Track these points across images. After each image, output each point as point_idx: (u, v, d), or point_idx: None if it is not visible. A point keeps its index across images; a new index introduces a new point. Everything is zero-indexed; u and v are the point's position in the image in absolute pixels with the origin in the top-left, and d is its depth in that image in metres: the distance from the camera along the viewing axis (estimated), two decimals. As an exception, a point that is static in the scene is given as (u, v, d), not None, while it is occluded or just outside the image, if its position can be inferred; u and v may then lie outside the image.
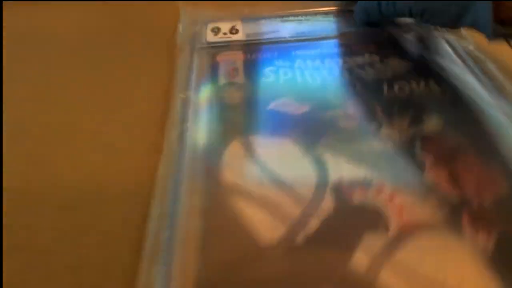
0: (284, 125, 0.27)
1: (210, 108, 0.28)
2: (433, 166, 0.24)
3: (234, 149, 0.26)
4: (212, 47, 0.33)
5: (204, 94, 0.29)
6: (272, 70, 0.31)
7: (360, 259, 0.20)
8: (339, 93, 0.29)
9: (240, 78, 0.30)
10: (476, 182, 0.23)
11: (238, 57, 0.32)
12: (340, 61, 0.32)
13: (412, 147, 0.25)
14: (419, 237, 0.21)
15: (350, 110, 0.28)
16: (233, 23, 0.35)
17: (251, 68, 0.31)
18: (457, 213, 0.22)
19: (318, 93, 0.29)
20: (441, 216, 0.22)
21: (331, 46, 0.33)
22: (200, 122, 0.27)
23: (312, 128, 0.27)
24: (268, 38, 0.34)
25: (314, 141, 0.26)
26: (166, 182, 0.24)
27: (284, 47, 0.33)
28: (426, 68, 0.30)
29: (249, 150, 0.25)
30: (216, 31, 0.35)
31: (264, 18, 0.36)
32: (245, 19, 0.36)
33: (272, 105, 0.28)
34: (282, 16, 0.36)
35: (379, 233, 0.21)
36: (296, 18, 0.36)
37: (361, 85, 0.29)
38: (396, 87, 0.29)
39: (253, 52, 0.33)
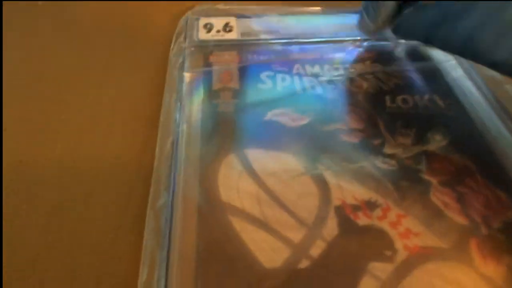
0: (283, 138, 0.25)
1: (203, 117, 0.26)
2: (439, 188, 0.23)
3: (229, 164, 0.24)
4: (205, 45, 0.31)
5: (197, 99, 0.27)
6: (269, 76, 0.29)
7: (368, 285, 0.19)
8: (339, 104, 0.28)
9: (234, 83, 0.28)
10: (484, 205, 0.22)
11: (232, 58, 0.30)
12: (340, 68, 0.30)
13: (417, 167, 0.24)
14: (427, 264, 0.20)
15: (352, 124, 0.26)
16: (227, 20, 0.33)
17: (247, 72, 0.29)
18: (465, 239, 0.21)
19: (318, 103, 0.27)
20: (448, 241, 0.21)
21: (332, 50, 0.31)
22: (193, 131, 0.25)
23: (312, 143, 0.25)
24: (264, 39, 0.32)
25: (314, 157, 0.24)
26: (158, 200, 0.22)
27: (282, 50, 0.31)
28: (431, 81, 0.29)
29: (245, 165, 0.24)
30: (209, 27, 0.33)
31: (260, 15, 0.34)
32: (240, 16, 0.34)
33: (269, 115, 0.26)
34: (280, 15, 0.34)
35: (386, 258, 0.20)
36: (294, 17, 0.34)
37: (363, 96, 0.28)
38: (399, 100, 0.28)
39: (248, 53, 0.31)
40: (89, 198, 0.22)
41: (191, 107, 0.26)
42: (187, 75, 0.28)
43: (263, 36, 0.32)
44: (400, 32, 0.28)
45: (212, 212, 0.22)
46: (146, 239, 0.20)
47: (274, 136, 0.25)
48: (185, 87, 0.28)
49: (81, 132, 0.26)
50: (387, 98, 0.28)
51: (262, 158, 0.24)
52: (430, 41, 0.26)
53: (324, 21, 0.34)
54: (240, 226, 0.21)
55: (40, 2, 0.36)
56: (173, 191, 0.22)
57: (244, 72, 0.29)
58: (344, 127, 0.26)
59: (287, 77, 0.29)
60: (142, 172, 0.23)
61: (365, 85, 0.29)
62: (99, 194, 0.23)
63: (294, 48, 0.31)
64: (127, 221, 0.22)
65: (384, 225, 0.21)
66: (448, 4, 0.24)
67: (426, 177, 0.24)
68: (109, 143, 0.25)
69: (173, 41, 0.31)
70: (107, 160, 0.24)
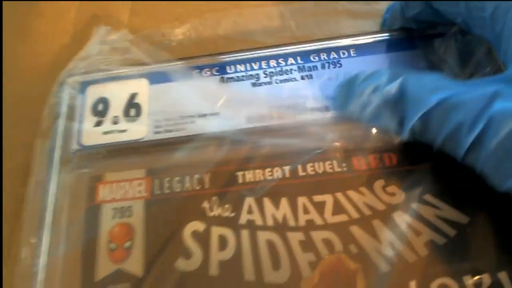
0: None
1: None
2: None
3: None
4: (91, 161, 0.18)
5: None
6: (195, 236, 0.16)
7: None
8: None
9: (136, 262, 0.16)
10: None
11: (138, 192, 0.17)
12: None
13: None
14: None
15: None
16: (133, 87, 0.19)
17: (157, 231, 0.17)
18: None
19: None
20: None
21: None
22: None
23: None
24: (197, 131, 0.18)
25: None
26: None
27: (224, 160, 0.18)
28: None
29: None
30: (101, 111, 0.19)
31: (189, 72, 0.19)
32: (154, 77, 0.19)
33: None
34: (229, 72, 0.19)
35: None
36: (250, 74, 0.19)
37: None
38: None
39: (169, 171, 0.18)
40: None
41: None
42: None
43: (194, 126, 0.18)
44: None
45: None
46: None
47: None
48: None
49: None
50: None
51: None
52: None
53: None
54: None
55: None
56: None
57: (153, 227, 0.17)
58: None
59: (229, 234, 0.16)
60: None
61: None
62: None
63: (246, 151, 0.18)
64: None
65: None
66: None
67: None
68: None
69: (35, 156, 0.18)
70: None
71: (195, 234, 0.16)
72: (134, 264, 0.16)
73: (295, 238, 0.16)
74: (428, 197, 0.16)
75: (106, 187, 0.17)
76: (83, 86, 0.19)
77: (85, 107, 0.19)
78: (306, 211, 0.17)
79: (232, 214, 0.17)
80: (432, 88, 0.14)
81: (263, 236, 0.16)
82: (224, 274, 0.16)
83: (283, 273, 0.16)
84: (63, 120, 0.19)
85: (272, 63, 0.19)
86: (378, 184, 0.17)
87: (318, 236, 0.16)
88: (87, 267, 0.16)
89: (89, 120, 0.19)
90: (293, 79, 0.19)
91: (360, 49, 0.19)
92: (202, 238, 0.16)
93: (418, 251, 0.16)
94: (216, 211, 0.17)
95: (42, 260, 0.16)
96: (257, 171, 0.17)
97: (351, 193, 0.17)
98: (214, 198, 0.17)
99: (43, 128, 0.19)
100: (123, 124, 0.18)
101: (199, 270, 0.16)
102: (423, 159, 0.17)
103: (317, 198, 0.17)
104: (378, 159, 0.17)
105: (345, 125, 0.18)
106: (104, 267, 0.16)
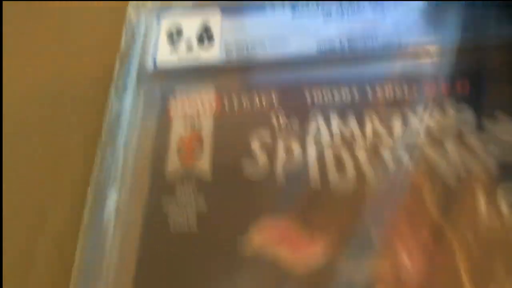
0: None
1: (142, 247, 0.15)
2: None
3: None
4: (163, 78, 0.19)
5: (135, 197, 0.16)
6: (262, 146, 0.17)
7: None
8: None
9: (203, 163, 0.17)
10: None
11: (208, 107, 0.18)
12: (389, 117, 0.17)
13: None
14: None
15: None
16: (206, 19, 0.20)
17: (227, 138, 0.17)
18: None
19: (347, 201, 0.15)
20: None
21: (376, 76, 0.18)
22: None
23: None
24: (268, 57, 0.19)
25: None
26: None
27: (293, 81, 0.18)
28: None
29: None
30: (175, 38, 0.20)
31: (263, 7, 0.20)
32: (227, 12, 0.20)
33: (254, 246, 0.15)
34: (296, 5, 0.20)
35: None
36: (322, 8, 0.20)
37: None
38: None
39: (235, 92, 0.18)
40: None
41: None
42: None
43: (266, 50, 0.19)
44: None
45: None
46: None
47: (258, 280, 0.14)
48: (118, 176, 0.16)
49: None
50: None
51: None
52: None
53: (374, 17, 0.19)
54: None
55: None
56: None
57: (222, 138, 0.17)
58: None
59: (296, 143, 0.17)
60: None
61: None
62: None
63: (316, 75, 0.18)
64: None
65: None
66: None
67: None
68: None
69: (116, 70, 0.19)
70: None
71: (262, 145, 0.17)
72: (203, 168, 0.16)
73: (362, 154, 0.16)
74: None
75: (178, 103, 0.18)
76: (159, 12, 0.20)
77: (160, 32, 0.20)
78: (375, 130, 0.17)
79: (300, 129, 0.17)
80: None
81: (330, 151, 0.16)
82: (290, 183, 0.16)
83: (349, 182, 0.16)
84: (140, 44, 0.20)
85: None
86: (450, 107, 0.17)
87: (386, 152, 0.16)
88: (157, 169, 0.17)
89: (164, 45, 0.20)
90: (365, 13, 0.19)
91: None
92: (269, 149, 0.17)
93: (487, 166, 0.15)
94: (284, 125, 0.17)
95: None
96: (326, 90, 0.18)
97: (422, 115, 0.17)
98: (282, 114, 0.17)
99: (122, 51, 0.20)
100: (195, 50, 0.19)
101: (266, 179, 0.16)
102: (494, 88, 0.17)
103: (386, 118, 0.17)
104: (450, 86, 0.17)
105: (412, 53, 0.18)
106: (174, 168, 0.17)
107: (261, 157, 0.16)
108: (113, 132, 0.17)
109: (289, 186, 0.16)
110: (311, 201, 0.15)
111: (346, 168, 0.16)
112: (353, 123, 0.17)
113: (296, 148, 0.17)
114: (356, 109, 0.17)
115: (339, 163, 0.16)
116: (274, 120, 0.17)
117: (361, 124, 0.17)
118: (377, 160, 0.16)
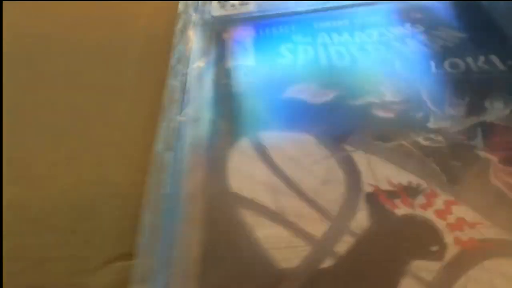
0: (303, 117, 0.22)
1: (212, 98, 0.23)
2: (501, 166, 0.18)
3: (242, 149, 0.20)
4: (218, 22, 0.28)
5: (207, 79, 0.24)
6: (289, 48, 0.25)
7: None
8: (373, 75, 0.23)
9: (250, 60, 0.25)
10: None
11: (248, 34, 0.27)
12: (374, 33, 0.25)
13: (471, 142, 0.19)
14: (486, 261, 0.16)
15: (388, 96, 0.22)
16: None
17: (264, 46, 0.26)
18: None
19: (347, 76, 0.23)
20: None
21: (363, 15, 0.27)
22: (200, 114, 0.22)
23: (338, 121, 0.21)
24: (285, 10, 0.28)
25: (341, 137, 0.20)
26: (159, 187, 0.19)
27: (304, 19, 0.27)
28: (486, 40, 0.24)
29: (260, 150, 0.20)
30: (223, 1, 0.29)
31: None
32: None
33: (288, 93, 0.23)
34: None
35: (433, 256, 0.16)
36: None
37: (401, 63, 0.23)
38: (446, 64, 0.23)
39: (266, 27, 0.27)
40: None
41: (199, 88, 0.23)
42: (195, 54, 0.25)
43: (283, 6, 0.28)
44: None
45: (221, 205, 0.19)
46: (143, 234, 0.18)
47: (293, 116, 0.22)
48: (193, 67, 0.25)
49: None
50: (432, 63, 0.23)
51: (279, 142, 0.21)
52: None
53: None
54: (253, 220, 0.18)
55: None
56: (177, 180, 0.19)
57: (260, 47, 0.26)
58: (378, 101, 0.22)
59: (310, 48, 0.25)
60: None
61: (404, 49, 0.24)
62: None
63: (320, 15, 0.27)
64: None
65: (429, 215, 0.17)
66: None
67: (484, 154, 0.19)
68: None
69: (180, 15, 0.28)
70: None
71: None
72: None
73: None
74: None
75: (229, 36, 0.27)
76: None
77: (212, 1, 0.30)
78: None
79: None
80: None
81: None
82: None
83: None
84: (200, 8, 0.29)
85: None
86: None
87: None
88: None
89: (214, 6, 0.29)
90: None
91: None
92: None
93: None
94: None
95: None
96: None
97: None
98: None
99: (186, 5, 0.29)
100: (237, 5, 0.29)
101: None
102: None
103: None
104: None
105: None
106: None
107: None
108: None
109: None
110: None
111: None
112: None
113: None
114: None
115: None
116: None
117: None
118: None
